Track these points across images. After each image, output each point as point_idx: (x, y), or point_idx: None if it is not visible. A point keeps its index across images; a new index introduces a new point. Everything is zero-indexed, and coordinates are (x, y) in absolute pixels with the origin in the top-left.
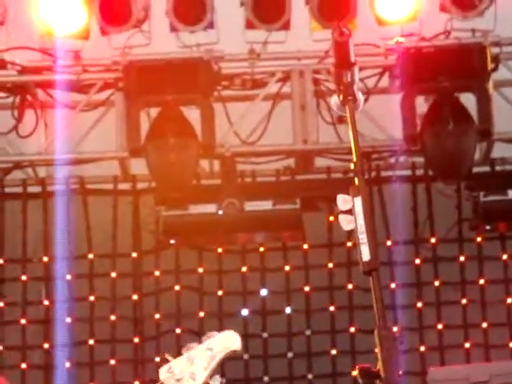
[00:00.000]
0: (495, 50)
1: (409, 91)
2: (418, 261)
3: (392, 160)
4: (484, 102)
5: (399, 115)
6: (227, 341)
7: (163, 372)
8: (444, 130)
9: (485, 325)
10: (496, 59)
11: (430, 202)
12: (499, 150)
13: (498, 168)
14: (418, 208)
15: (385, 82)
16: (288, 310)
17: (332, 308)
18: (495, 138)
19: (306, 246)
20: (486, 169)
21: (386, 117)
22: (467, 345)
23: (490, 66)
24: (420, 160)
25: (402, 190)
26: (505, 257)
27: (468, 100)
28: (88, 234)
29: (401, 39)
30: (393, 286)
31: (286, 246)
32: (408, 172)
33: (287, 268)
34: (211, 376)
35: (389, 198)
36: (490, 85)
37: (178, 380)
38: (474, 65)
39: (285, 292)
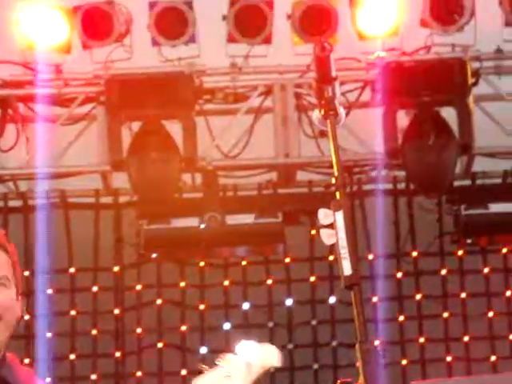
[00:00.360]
0: (475, 64)
1: (390, 105)
2: (399, 274)
3: (373, 174)
4: (464, 116)
5: (380, 129)
6: (266, 356)
7: None
8: (425, 144)
9: (466, 338)
10: (476, 74)
11: (411, 216)
12: (480, 164)
13: (479, 182)
14: (399, 222)
15: (366, 96)
16: (270, 324)
17: (314, 322)
18: (476, 152)
19: (287, 260)
20: (467, 182)
21: (367, 131)
22: (449, 358)
23: (471, 80)
24: (401, 174)
25: (383, 204)
26: (486, 270)
27: (449, 114)
28: (69, 248)
29: (382, 54)
30: (374, 299)
31: (268, 260)
32: (389, 186)
33: (269, 282)
34: None
35: (370, 211)
36: (471, 99)
37: None
38: (455, 79)
39: (267, 305)
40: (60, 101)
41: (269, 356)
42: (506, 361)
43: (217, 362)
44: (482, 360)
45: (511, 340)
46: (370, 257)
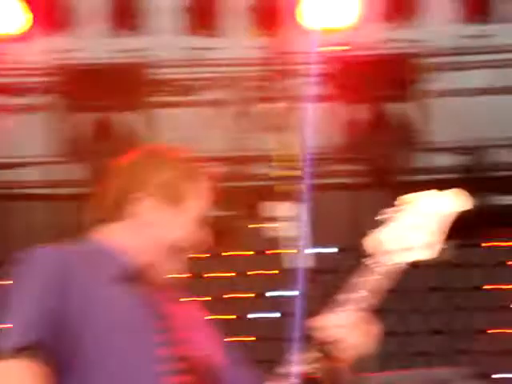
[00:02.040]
0: (432, 60)
1: (345, 99)
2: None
3: (331, 168)
4: (419, 111)
5: (338, 123)
6: (454, 200)
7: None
8: (378, 138)
9: None
10: (429, 69)
11: (370, 211)
12: (441, 159)
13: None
14: (357, 216)
15: (323, 90)
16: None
17: None
18: (434, 147)
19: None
20: (423, 177)
21: (325, 124)
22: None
23: (424, 75)
24: (357, 168)
25: (341, 198)
26: None
27: (403, 109)
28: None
29: (336, 48)
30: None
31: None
32: (347, 180)
33: None
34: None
35: (328, 205)
36: (426, 95)
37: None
38: (408, 74)
39: None
40: (14, 90)
41: (457, 200)
42: None
43: (399, 212)
44: None
45: None
46: (333, 250)
